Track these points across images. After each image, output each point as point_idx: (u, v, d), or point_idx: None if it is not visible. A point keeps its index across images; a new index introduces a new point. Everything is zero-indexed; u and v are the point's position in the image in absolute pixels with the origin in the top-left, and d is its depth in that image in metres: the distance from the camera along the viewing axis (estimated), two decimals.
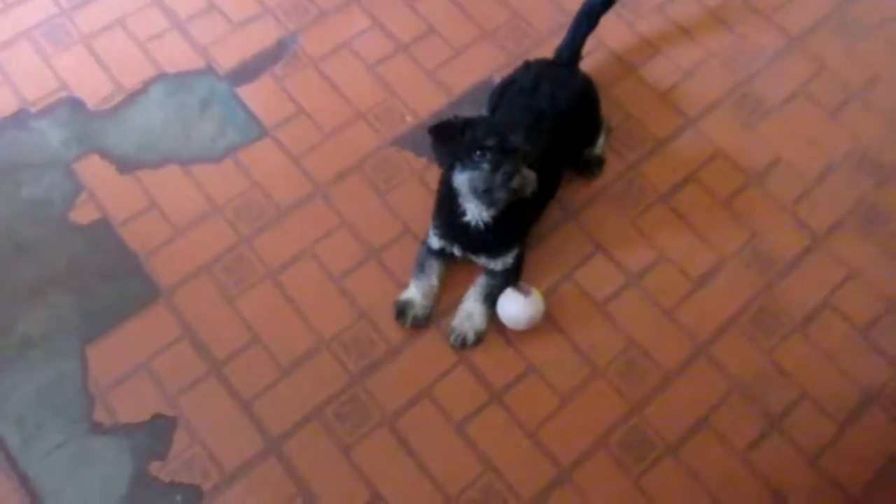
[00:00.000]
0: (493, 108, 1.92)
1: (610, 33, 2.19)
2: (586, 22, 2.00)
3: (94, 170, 1.99)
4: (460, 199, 1.67)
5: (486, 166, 1.55)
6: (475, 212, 1.67)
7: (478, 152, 1.56)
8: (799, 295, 1.90)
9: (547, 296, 1.83)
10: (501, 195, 1.57)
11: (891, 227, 2.00)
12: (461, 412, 1.73)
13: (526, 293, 1.75)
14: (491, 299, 1.78)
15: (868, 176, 2.07)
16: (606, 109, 2.04)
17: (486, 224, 1.68)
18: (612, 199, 1.99)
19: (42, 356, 1.77)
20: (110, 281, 1.85)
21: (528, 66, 1.96)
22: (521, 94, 1.87)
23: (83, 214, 1.93)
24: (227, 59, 2.16)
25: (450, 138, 1.60)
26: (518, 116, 1.81)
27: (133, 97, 2.10)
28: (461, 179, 1.60)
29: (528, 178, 1.57)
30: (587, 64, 2.09)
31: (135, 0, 2.23)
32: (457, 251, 1.78)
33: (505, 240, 1.74)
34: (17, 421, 1.70)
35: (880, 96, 2.19)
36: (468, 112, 2.04)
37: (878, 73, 2.22)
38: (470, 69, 2.16)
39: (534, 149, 1.58)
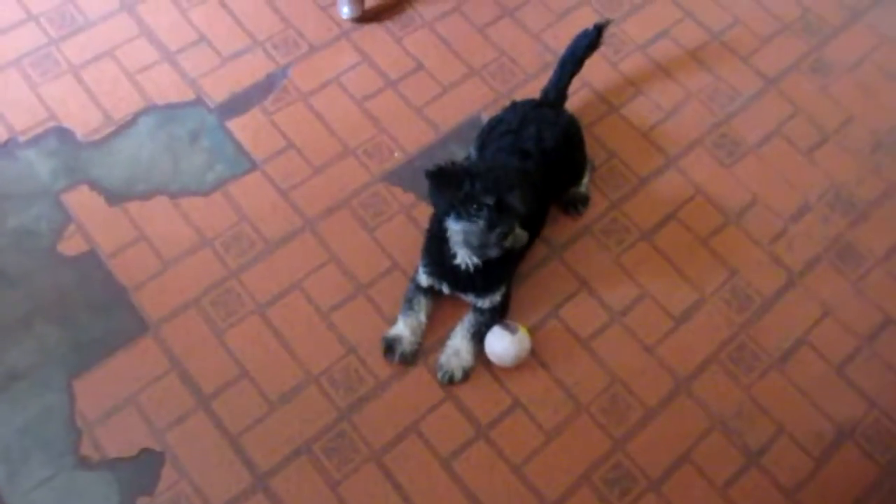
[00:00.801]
0: (481, 147, 1.96)
1: (594, 73, 2.24)
2: (571, 63, 2.05)
3: (82, 201, 1.99)
4: (451, 244, 1.70)
5: (482, 223, 1.59)
6: (465, 256, 1.71)
7: (475, 206, 1.59)
8: (777, 332, 1.95)
9: (533, 332, 1.86)
10: (493, 252, 1.62)
11: (864, 264, 2.07)
12: (448, 448, 1.75)
13: (513, 330, 1.79)
14: (478, 336, 1.81)
15: (842, 215, 2.13)
16: (591, 148, 2.09)
17: (475, 266, 1.71)
18: (596, 237, 2.04)
19: (28, 389, 1.76)
20: (98, 313, 1.86)
21: (514, 106, 2.00)
22: (507, 133, 1.90)
23: (71, 246, 1.93)
24: (217, 91, 2.18)
25: (448, 186, 1.63)
26: (505, 156, 1.85)
27: (122, 128, 2.11)
28: (455, 229, 1.64)
29: (520, 237, 1.62)
30: (572, 103, 2.14)
31: (125, 31, 2.24)
32: (445, 289, 1.82)
33: (492, 279, 1.77)
34: (3, 454, 1.69)
35: (853, 137, 2.26)
36: (456, 150, 2.10)
37: (851, 115, 2.30)
38: (458, 106, 2.20)
39: (528, 207, 1.62)
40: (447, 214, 1.66)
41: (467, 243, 1.64)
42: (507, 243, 1.60)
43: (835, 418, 1.86)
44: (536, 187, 1.71)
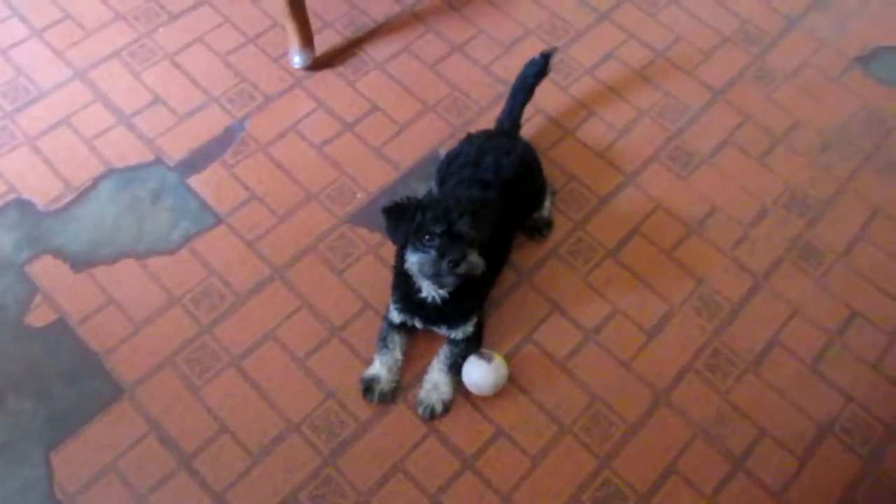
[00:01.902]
0: (442, 181, 1.98)
1: (545, 99, 2.29)
2: (522, 92, 2.09)
3: (47, 270, 1.98)
4: (414, 278, 1.72)
5: (433, 252, 1.61)
6: (430, 289, 1.72)
7: (426, 237, 1.62)
8: (748, 336, 1.98)
9: (509, 359, 1.87)
10: (448, 280, 1.64)
11: (825, 261, 2.11)
12: (435, 483, 1.74)
13: (488, 359, 1.80)
14: (455, 368, 1.81)
15: (799, 215, 2.19)
16: (550, 172, 2.13)
17: (442, 299, 1.73)
18: (563, 259, 2.06)
19: (4, 467, 1.73)
20: (71, 382, 1.84)
21: (470, 138, 2.04)
22: (466, 166, 1.93)
23: (39, 317, 1.92)
24: (176, 150, 2.19)
25: (402, 219, 1.66)
26: (465, 188, 1.88)
27: (83, 195, 2.11)
28: (412, 261, 1.66)
29: (473, 264, 1.63)
30: (526, 130, 2.18)
31: (79, 98, 2.25)
32: (418, 324, 1.83)
33: (463, 310, 1.79)
34: None
35: (802, 140, 2.33)
36: (417, 186, 2.12)
37: (798, 118, 2.37)
38: (415, 143, 2.24)
39: (481, 233, 1.64)
40: (404, 247, 1.68)
41: (423, 273, 1.66)
42: (461, 270, 1.61)
43: (813, 415, 1.88)
44: (495, 214, 1.74)
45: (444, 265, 1.60)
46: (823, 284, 2.08)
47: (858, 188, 2.24)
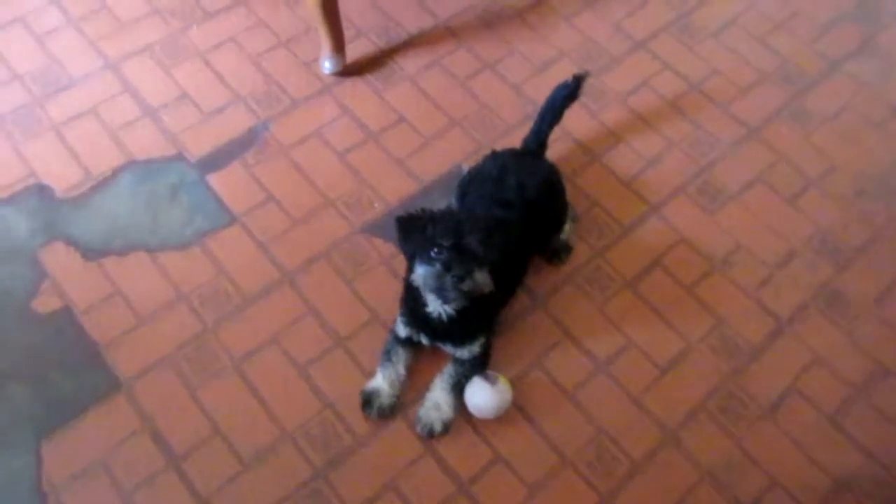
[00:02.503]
0: (462, 197, 1.94)
1: (574, 123, 2.25)
2: (551, 114, 2.05)
3: (58, 257, 1.97)
4: (421, 290, 1.67)
5: (438, 266, 1.56)
6: (435, 303, 1.67)
7: (434, 249, 1.57)
8: (766, 381, 1.90)
9: (515, 383, 1.82)
10: (452, 295, 1.58)
11: (853, 311, 2.03)
12: None
13: (493, 381, 1.74)
14: (458, 388, 1.76)
15: (828, 261, 2.11)
16: (572, 197, 2.08)
17: (449, 316, 1.68)
18: (580, 286, 2.01)
19: None
20: (69, 372, 1.81)
21: (494, 155, 2.00)
22: (488, 183, 1.89)
23: (45, 303, 1.90)
24: (198, 146, 2.18)
25: (414, 231, 1.62)
26: (486, 206, 1.84)
27: (102, 184, 2.10)
28: (418, 273, 1.61)
29: (479, 282, 1.57)
30: (553, 153, 2.14)
31: (108, 89, 2.26)
32: (424, 339, 1.78)
33: (470, 329, 1.73)
34: None
35: (836, 183, 2.25)
36: (437, 200, 2.09)
37: (833, 162, 2.30)
38: (439, 157, 2.20)
39: (492, 252, 1.58)
40: (413, 259, 1.64)
41: (427, 286, 1.60)
42: (465, 287, 1.55)
43: (830, 470, 1.79)
44: (513, 235, 1.68)
45: (449, 280, 1.54)
46: (850, 335, 1.99)
47: (893, 237, 2.16)
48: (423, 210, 1.65)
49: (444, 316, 1.68)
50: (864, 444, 1.84)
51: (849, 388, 1.91)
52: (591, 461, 1.76)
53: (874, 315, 2.03)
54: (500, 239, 1.60)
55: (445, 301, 1.64)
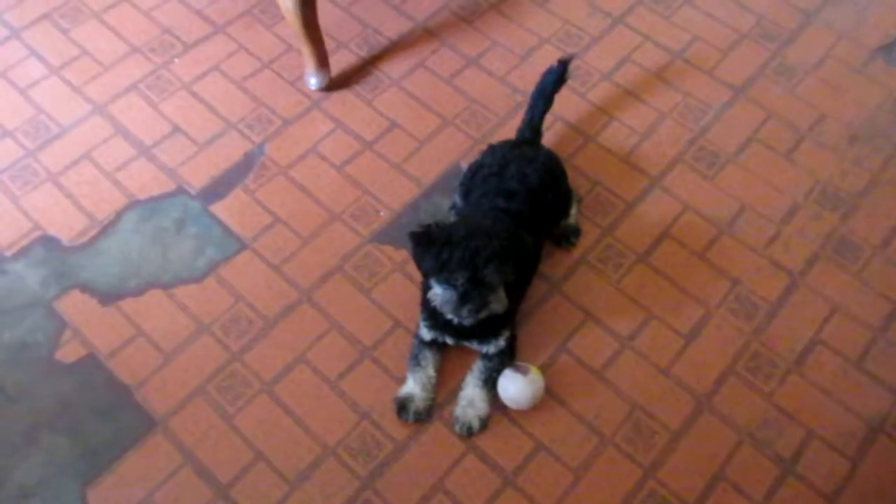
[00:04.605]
0: (466, 195, 1.96)
1: (564, 107, 2.26)
2: (542, 100, 2.07)
3: (75, 305, 1.98)
4: (439, 308, 1.70)
5: (454, 296, 1.60)
6: (454, 317, 1.69)
7: (451, 276, 1.60)
8: (788, 335, 1.93)
9: (545, 370, 1.84)
10: (469, 320, 1.64)
11: (863, 255, 2.06)
12: (477, 502, 1.70)
13: (524, 371, 1.76)
14: (490, 382, 1.78)
15: (831, 210, 2.14)
16: (574, 179, 2.10)
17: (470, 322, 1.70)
18: (593, 266, 2.03)
19: None
20: (104, 417, 1.82)
21: (493, 148, 2.01)
22: (490, 177, 1.91)
23: (69, 352, 1.91)
24: (197, 178, 2.18)
25: (429, 250, 1.62)
26: (490, 199, 1.85)
27: (107, 228, 2.10)
28: (436, 293, 1.65)
29: (495, 308, 1.63)
30: (547, 139, 2.16)
31: (99, 133, 2.26)
32: (449, 340, 1.80)
33: (494, 326, 1.75)
34: None
35: (829, 133, 2.28)
36: (440, 200, 2.10)
37: (823, 112, 2.32)
38: (436, 158, 2.22)
39: (507, 275, 1.62)
40: (427, 277, 1.67)
41: (444, 309, 1.65)
42: (482, 315, 1.62)
43: (862, 414, 1.82)
44: (525, 246, 1.69)
45: (465, 311, 1.60)
46: (862, 279, 2.02)
47: (892, 179, 2.19)
48: (437, 225, 1.65)
49: (464, 323, 1.71)
50: (890, 383, 1.87)
51: (869, 330, 1.95)
52: (630, 437, 1.78)
53: (883, 256, 2.06)
54: (515, 256, 1.63)
55: (461, 321, 1.68)
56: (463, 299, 1.59)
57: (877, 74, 2.41)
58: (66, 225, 2.11)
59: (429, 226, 1.66)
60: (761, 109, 2.33)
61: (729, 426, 1.80)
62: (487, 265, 1.58)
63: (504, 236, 1.63)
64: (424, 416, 1.78)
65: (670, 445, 1.78)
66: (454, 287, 1.60)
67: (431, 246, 1.62)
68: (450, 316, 1.68)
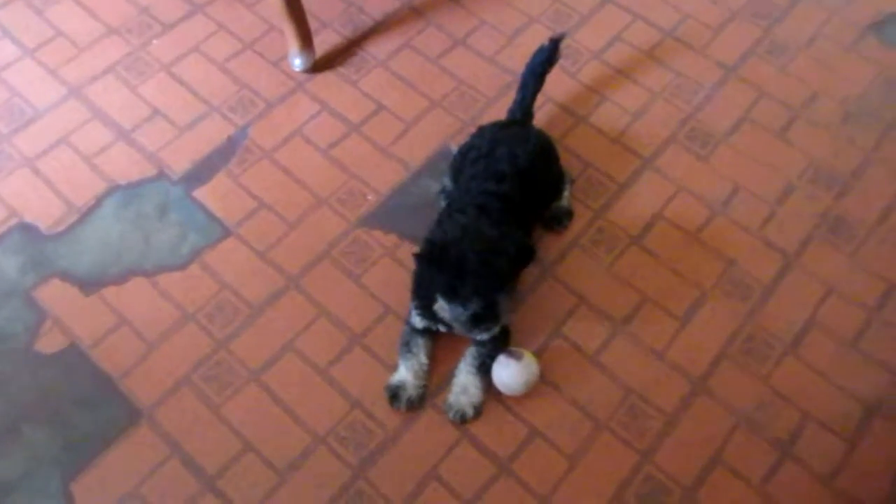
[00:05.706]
0: (456, 177, 1.92)
1: (554, 86, 2.21)
2: (533, 80, 2.03)
3: (55, 294, 1.92)
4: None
5: (466, 315, 1.61)
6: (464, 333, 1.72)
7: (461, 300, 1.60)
8: (784, 317, 1.91)
9: (538, 355, 1.80)
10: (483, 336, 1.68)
11: (858, 235, 2.04)
12: (471, 489, 1.67)
13: (518, 357, 1.73)
14: (484, 369, 1.74)
15: (825, 190, 2.11)
16: (565, 161, 2.06)
17: None
18: (586, 249, 1.99)
19: (25, 500, 1.66)
20: (87, 408, 1.77)
21: (482, 130, 1.97)
22: (479, 159, 1.86)
23: (49, 343, 1.85)
24: (179, 162, 2.12)
25: (438, 275, 1.61)
26: (480, 182, 1.81)
27: (87, 214, 2.04)
28: (444, 307, 1.64)
29: (505, 318, 1.67)
30: (538, 119, 2.11)
31: (76, 116, 2.19)
32: (441, 328, 1.76)
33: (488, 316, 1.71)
34: None
35: (822, 111, 2.26)
36: (428, 183, 2.06)
37: (815, 90, 2.30)
38: (423, 140, 2.17)
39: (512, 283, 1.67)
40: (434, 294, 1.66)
41: (454, 322, 1.67)
42: (488, 335, 1.68)
43: (859, 395, 1.81)
44: (528, 251, 1.67)
45: (475, 333, 1.67)
46: (857, 259, 2.00)
47: (885, 157, 2.17)
48: (442, 247, 1.60)
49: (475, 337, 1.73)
50: (887, 363, 1.85)
51: (864, 310, 1.93)
52: (626, 422, 1.76)
53: (877, 236, 2.04)
54: (522, 266, 1.67)
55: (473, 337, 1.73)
56: (475, 321, 1.61)
57: (868, 52, 2.38)
58: (43, 211, 2.04)
59: (434, 245, 1.62)
60: (754, 88, 2.30)
61: (724, 409, 1.78)
62: (501, 291, 1.60)
63: (512, 251, 1.61)
64: (417, 404, 1.75)
65: (666, 430, 1.75)
66: (464, 307, 1.60)
67: (440, 272, 1.60)
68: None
